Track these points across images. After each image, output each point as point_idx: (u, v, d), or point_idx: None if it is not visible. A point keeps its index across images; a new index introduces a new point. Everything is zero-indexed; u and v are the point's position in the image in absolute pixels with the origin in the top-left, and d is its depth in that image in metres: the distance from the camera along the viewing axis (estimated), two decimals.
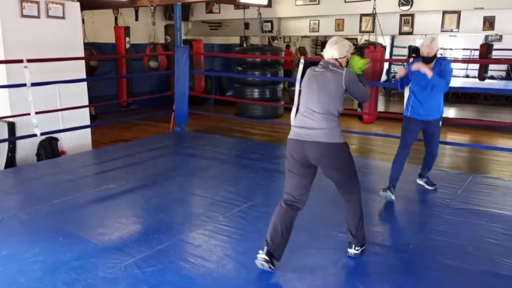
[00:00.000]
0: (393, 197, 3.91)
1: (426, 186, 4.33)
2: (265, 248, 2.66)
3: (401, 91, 4.59)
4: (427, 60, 3.80)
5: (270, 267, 2.64)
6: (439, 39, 4.10)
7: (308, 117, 2.70)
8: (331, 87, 2.69)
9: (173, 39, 8.05)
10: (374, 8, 6.77)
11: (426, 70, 3.72)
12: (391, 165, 4.02)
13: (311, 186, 2.76)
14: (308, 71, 2.84)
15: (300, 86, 2.89)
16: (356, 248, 2.89)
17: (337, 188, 2.84)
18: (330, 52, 2.77)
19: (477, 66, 13.33)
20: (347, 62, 2.85)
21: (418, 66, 3.76)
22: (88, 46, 7.68)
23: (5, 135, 5.32)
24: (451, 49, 15.81)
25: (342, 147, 2.70)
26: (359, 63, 2.90)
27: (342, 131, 2.72)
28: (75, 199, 3.92)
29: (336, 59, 2.77)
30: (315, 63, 2.92)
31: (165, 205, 3.80)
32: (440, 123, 4.02)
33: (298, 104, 2.90)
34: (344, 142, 2.71)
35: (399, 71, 4.06)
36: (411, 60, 4.40)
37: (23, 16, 5.42)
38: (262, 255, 2.66)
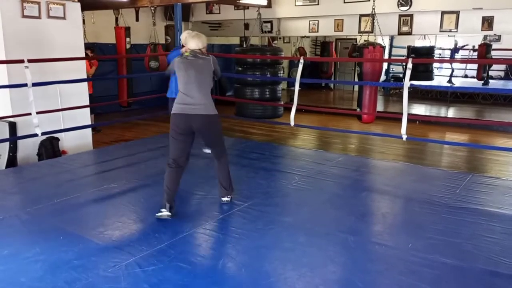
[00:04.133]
0: None
1: None
2: (167, 206, 3.38)
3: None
4: None
5: (170, 215, 3.39)
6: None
7: (190, 95, 3.44)
8: (205, 71, 3.49)
9: (173, 39, 8.07)
10: (373, 9, 6.78)
11: None
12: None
13: (190, 149, 3.59)
14: (179, 59, 3.53)
15: (176, 71, 3.56)
16: (228, 197, 3.75)
17: (211, 151, 3.75)
18: (195, 44, 3.52)
19: (475, 66, 13.34)
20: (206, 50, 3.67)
21: None
22: (86, 46, 7.67)
23: (6, 135, 5.33)
24: (449, 49, 15.79)
25: (216, 118, 3.54)
26: None
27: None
28: (76, 198, 3.94)
29: (200, 49, 3.53)
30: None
31: None
32: None
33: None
34: (217, 114, 3.54)
35: None
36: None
37: (24, 16, 5.43)
38: (166, 213, 3.37)
